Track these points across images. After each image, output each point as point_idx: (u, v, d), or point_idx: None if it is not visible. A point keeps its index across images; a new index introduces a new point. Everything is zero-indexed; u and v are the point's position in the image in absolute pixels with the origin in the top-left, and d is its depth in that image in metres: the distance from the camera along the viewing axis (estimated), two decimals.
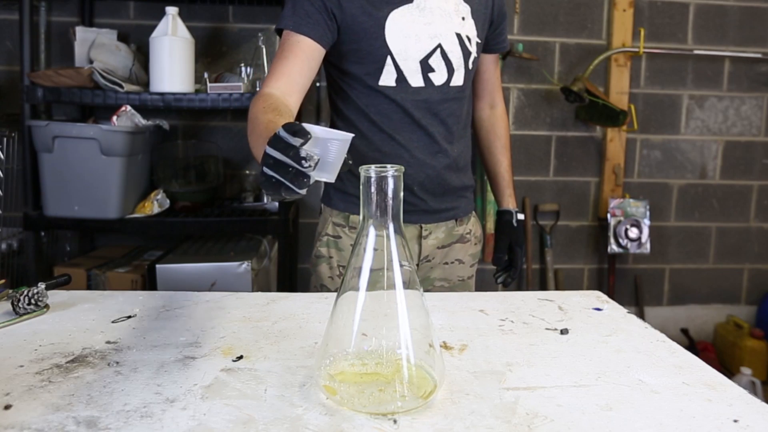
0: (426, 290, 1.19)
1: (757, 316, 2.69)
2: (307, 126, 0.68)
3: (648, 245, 2.47)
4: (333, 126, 1.31)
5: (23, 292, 0.90)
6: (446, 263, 1.32)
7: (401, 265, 0.65)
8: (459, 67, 1.21)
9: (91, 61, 2.00)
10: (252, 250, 2.05)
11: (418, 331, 0.66)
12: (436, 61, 1.18)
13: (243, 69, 2.09)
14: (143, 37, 2.09)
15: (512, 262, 1.32)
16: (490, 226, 2.38)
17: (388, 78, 1.18)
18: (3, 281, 1.03)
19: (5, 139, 1.92)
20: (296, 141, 0.67)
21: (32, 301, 0.90)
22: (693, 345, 2.58)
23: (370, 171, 0.64)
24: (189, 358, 0.77)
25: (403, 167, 0.65)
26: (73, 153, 1.82)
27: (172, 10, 1.90)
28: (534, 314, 0.98)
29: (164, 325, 0.89)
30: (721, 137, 2.60)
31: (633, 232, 2.46)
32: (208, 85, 1.95)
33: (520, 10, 2.45)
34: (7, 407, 0.62)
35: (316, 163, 0.67)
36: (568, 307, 1.02)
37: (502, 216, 1.38)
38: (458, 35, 1.20)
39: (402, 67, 1.17)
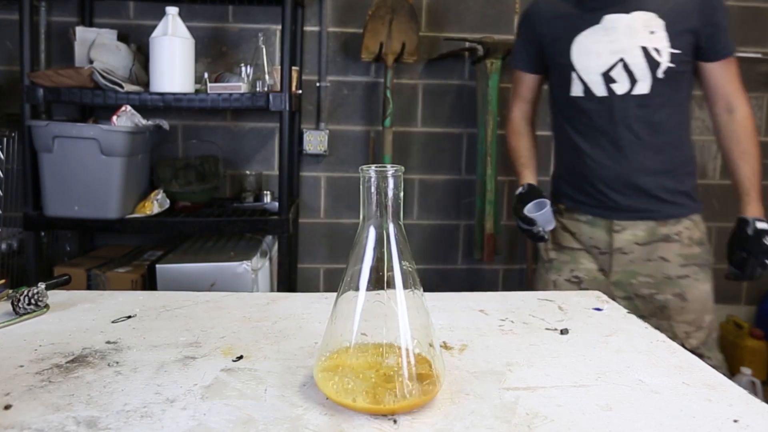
0: (629, 282, 1.44)
1: (757, 316, 2.68)
2: (533, 211, 1.42)
3: None
4: (553, 139, 1.60)
5: (23, 292, 0.90)
6: (649, 260, 1.42)
7: (401, 265, 0.65)
8: (644, 77, 1.35)
9: (91, 61, 2.00)
10: (252, 250, 2.05)
11: (419, 330, 0.66)
12: (617, 72, 1.36)
13: (243, 69, 2.09)
14: (143, 37, 2.09)
15: (743, 271, 1.34)
16: (490, 226, 2.38)
17: (576, 89, 1.42)
18: (3, 281, 1.03)
19: (5, 139, 1.92)
20: (534, 227, 1.44)
21: (32, 301, 0.90)
22: None
23: (369, 171, 0.63)
24: (189, 358, 0.77)
25: (403, 167, 0.65)
26: (73, 153, 1.82)
27: (172, 10, 1.90)
28: (534, 314, 0.98)
29: (164, 325, 0.89)
30: None
31: None
32: (208, 85, 1.95)
33: (520, 10, 2.45)
34: (7, 407, 0.62)
35: (545, 229, 1.44)
36: (568, 307, 1.02)
37: (738, 224, 1.39)
38: (644, 48, 1.34)
39: (585, 79, 1.40)
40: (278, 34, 2.37)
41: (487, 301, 1.04)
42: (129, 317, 0.92)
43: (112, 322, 0.90)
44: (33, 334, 0.84)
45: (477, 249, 2.45)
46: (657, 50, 1.34)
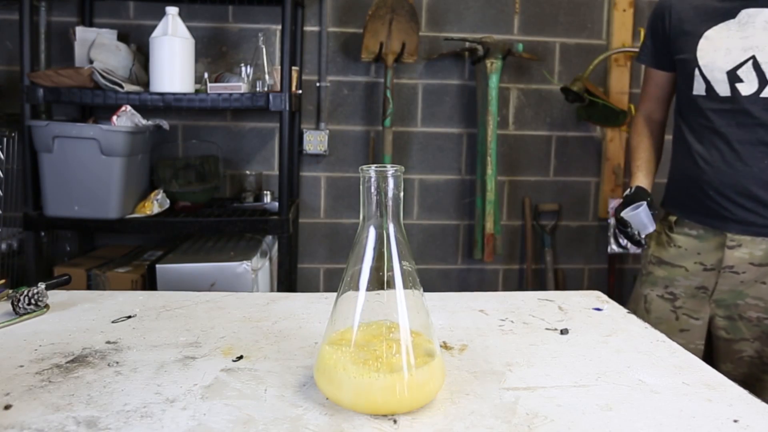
0: (734, 303, 1.32)
1: None
2: (632, 213, 1.32)
3: None
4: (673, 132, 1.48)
5: (23, 292, 0.90)
6: (763, 283, 1.29)
7: (401, 265, 0.65)
8: None
9: (91, 61, 2.00)
10: (252, 250, 2.05)
11: (419, 330, 0.66)
12: (745, 71, 1.23)
13: (243, 69, 2.09)
14: (143, 37, 2.09)
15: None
16: (490, 226, 2.38)
17: (698, 87, 1.30)
18: (3, 281, 1.03)
19: (5, 139, 1.92)
20: (629, 230, 1.34)
21: (32, 301, 0.90)
22: None
23: (369, 171, 0.63)
24: (189, 358, 0.77)
25: (403, 167, 0.65)
26: (73, 153, 1.82)
27: (172, 10, 1.90)
28: (534, 314, 0.98)
29: (164, 325, 0.89)
30: None
31: None
32: (208, 85, 1.95)
33: (520, 10, 2.45)
34: (7, 407, 0.62)
35: (642, 233, 1.34)
36: (568, 307, 1.02)
37: None
38: None
39: (708, 77, 1.28)
40: (278, 34, 2.37)
41: (487, 301, 1.04)
42: (129, 317, 0.92)
43: (112, 322, 0.90)
44: (33, 334, 0.84)
45: (477, 249, 2.45)
46: None
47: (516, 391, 0.69)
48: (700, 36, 1.29)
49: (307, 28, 2.41)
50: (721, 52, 1.26)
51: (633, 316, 0.99)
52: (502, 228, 2.50)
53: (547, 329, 0.91)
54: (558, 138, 2.55)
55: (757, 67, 1.23)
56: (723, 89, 1.27)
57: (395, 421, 0.61)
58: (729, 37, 1.25)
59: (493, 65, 2.32)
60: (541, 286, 2.57)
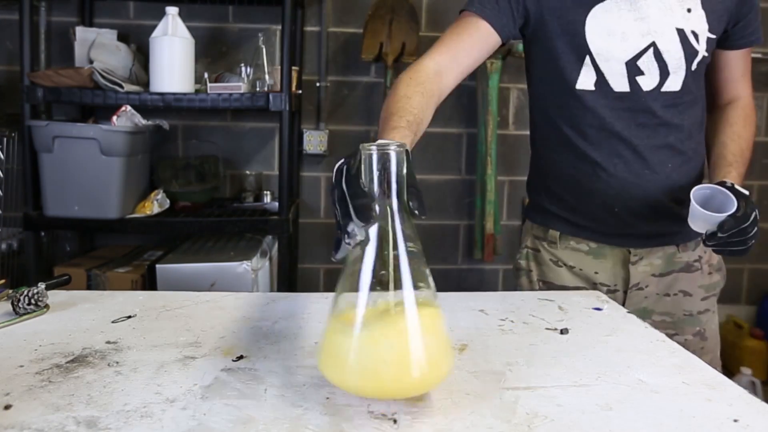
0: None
1: (757, 316, 2.69)
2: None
3: None
4: (531, 143, 1.24)
5: (23, 292, 0.90)
6: (667, 295, 1.17)
7: (407, 246, 0.62)
8: (677, 69, 1.06)
9: (91, 61, 2.00)
10: (252, 250, 2.05)
11: (425, 318, 0.64)
12: (646, 62, 1.05)
13: (243, 69, 2.09)
14: (143, 37, 2.09)
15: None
16: (490, 226, 2.38)
17: (586, 80, 1.08)
18: (3, 281, 1.03)
19: (5, 139, 1.92)
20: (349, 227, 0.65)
21: (32, 301, 0.90)
22: None
23: (371, 148, 0.61)
24: (189, 358, 0.77)
25: (406, 144, 0.62)
26: (73, 153, 1.82)
27: (172, 10, 1.90)
28: (534, 314, 0.98)
29: (164, 325, 0.89)
30: None
31: None
32: (208, 85, 1.95)
33: None
34: (7, 407, 0.62)
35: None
36: (568, 307, 1.02)
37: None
38: (680, 31, 1.05)
39: (603, 68, 1.06)
40: (278, 34, 2.37)
41: (487, 301, 1.04)
42: (129, 317, 0.92)
43: (112, 322, 0.90)
44: (33, 334, 0.84)
45: (477, 249, 2.45)
46: (695, 34, 1.06)
47: (516, 391, 0.69)
48: (585, 14, 1.05)
49: (307, 28, 2.41)
50: (617, 37, 1.04)
51: (633, 316, 0.99)
52: (502, 228, 2.50)
53: (547, 329, 0.91)
54: None
55: (658, 56, 1.05)
56: (620, 83, 1.07)
57: (395, 421, 0.61)
58: (622, 18, 1.04)
59: (493, 65, 2.32)
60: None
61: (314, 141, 2.41)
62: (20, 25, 1.85)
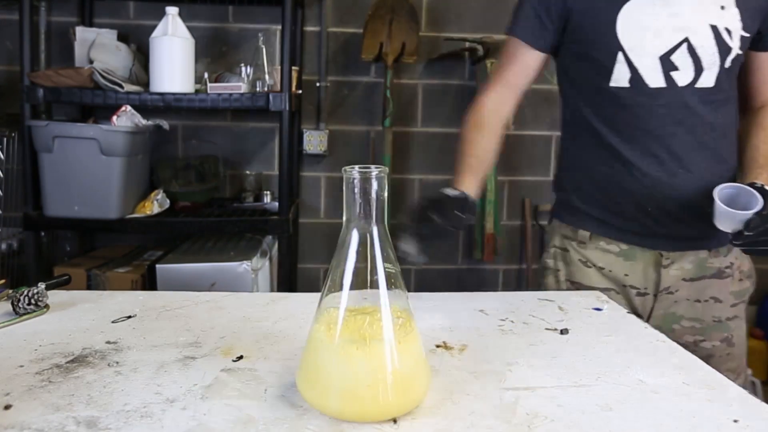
0: (670, 329, 1.14)
1: (757, 316, 2.68)
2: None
3: None
4: (561, 142, 1.30)
5: (23, 292, 0.90)
6: (698, 301, 1.16)
7: (385, 268, 0.63)
8: (711, 65, 1.05)
9: (91, 61, 2.00)
10: (252, 250, 2.05)
11: (401, 332, 0.64)
12: (680, 57, 1.05)
13: (243, 69, 2.09)
14: (143, 37, 2.09)
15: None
16: (490, 226, 2.38)
17: (620, 77, 1.08)
18: (3, 281, 1.03)
19: (5, 139, 1.92)
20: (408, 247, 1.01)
21: (32, 301, 0.90)
22: None
23: (352, 172, 0.62)
24: (189, 358, 0.77)
25: (386, 168, 0.63)
26: (73, 153, 1.82)
27: (172, 10, 1.90)
28: (534, 314, 0.98)
29: (164, 325, 0.89)
30: None
31: None
32: (208, 85, 1.95)
33: None
34: (7, 407, 0.62)
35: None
36: (568, 307, 1.02)
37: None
38: (714, 28, 1.05)
39: (637, 64, 1.06)
40: (278, 34, 2.37)
41: (487, 301, 1.04)
42: (129, 317, 0.92)
43: (112, 322, 0.90)
44: (33, 334, 0.84)
45: (477, 249, 2.45)
46: (728, 31, 1.05)
47: (516, 391, 0.69)
48: (616, 12, 1.07)
49: (307, 28, 2.41)
50: (649, 33, 1.05)
51: (633, 316, 0.99)
52: (502, 228, 2.50)
53: (547, 329, 0.91)
54: (558, 138, 2.54)
55: (692, 51, 1.05)
56: (655, 79, 1.06)
57: (395, 421, 0.61)
58: (655, 15, 1.05)
59: (493, 65, 2.32)
60: (541, 286, 2.57)
61: (314, 141, 2.41)
62: (20, 25, 1.85)
